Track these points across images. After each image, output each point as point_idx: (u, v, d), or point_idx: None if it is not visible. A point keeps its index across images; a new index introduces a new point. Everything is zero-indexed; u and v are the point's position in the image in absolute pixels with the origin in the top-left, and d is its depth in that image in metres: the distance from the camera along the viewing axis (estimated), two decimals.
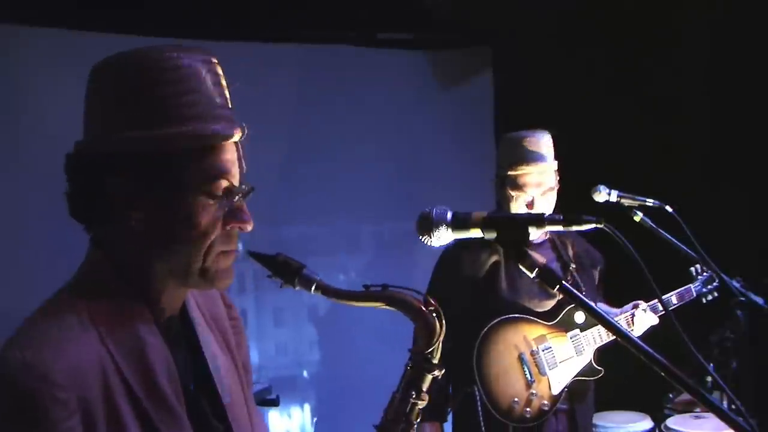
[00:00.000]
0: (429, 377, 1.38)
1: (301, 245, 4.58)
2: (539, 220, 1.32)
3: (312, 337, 4.62)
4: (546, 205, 2.84)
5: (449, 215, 1.35)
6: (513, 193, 2.84)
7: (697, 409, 3.65)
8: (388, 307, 1.34)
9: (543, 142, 2.87)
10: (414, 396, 1.38)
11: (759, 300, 2.92)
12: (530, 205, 2.82)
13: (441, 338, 1.36)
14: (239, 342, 1.42)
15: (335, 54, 4.66)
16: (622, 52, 4.38)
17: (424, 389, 1.38)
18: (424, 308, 1.35)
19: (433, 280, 2.97)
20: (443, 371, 1.38)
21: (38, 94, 3.57)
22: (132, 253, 1.21)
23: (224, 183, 1.21)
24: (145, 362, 1.17)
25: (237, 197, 1.23)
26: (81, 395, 1.10)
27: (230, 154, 1.23)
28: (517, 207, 2.84)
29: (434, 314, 1.36)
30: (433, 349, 1.36)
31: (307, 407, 4.67)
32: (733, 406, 1.63)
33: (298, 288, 1.34)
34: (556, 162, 2.90)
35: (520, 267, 1.31)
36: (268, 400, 3.94)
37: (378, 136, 4.73)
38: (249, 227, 1.25)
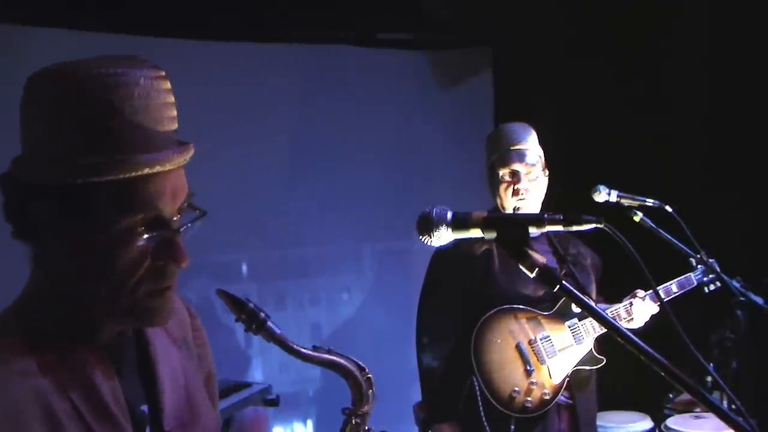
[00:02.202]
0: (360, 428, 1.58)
1: (296, 242, 4.59)
2: (539, 220, 1.32)
3: None
4: (531, 184, 2.87)
5: (449, 215, 1.35)
6: (500, 172, 2.89)
7: (697, 409, 3.65)
8: (331, 370, 1.52)
9: (524, 129, 2.97)
10: None
11: (759, 300, 2.92)
12: (516, 179, 2.86)
13: (370, 404, 1.55)
14: (202, 354, 1.38)
15: (335, 54, 4.66)
16: (622, 52, 4.38)
17: None
18: (358, 375, 1.53)
19: (427, 275, 2.99)
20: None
21: None
22: (66, 275, 1.14)
23: (150, 215, 1.10)
24: (90, 385, 1.13)
25: (168, 230, 1.12)
26: (16, 429, 1.05)
27: (159, 185, 1.10)
28: (506, 188, 2.87)
29: (366, 382, 1.54)
30: (364, 413, 1.55)
31: (310, 423, 4.70)
32: (733, 406, 1.63)
33: (259, 336, 1.43)
34: (541, 149, 2.95)
35: (521, 267, 1.31)
36: (268, 400, 3.94)
37: (378, 136, 4.73)
38: (183, 264, 1.14)
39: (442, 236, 1.35)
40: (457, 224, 1.35)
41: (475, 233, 1.34)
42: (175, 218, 1.14)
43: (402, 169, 4.82)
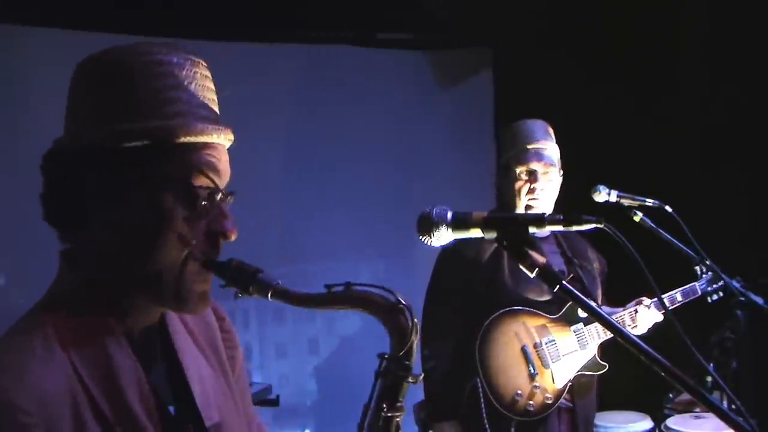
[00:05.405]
0: (405, 385, 1.20)
1: (296, 243, 4.59)
2: (539, 220, 1.32)
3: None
4: (547, 185, 2.86)
5: (449, 215, 1.34)
6: (517, 169, 2.86)
7: (697, 409, 3.65)
8: (353, 309, 1.19)
9: (544, 128, 2.94)
10: (387, 408, 1.19)
11: (759, 300, 2.92)
12: (533, 179, 2.84)
13: (414, 339, 1.19)
14: (233, 356, 1.36)
15: (335, 54, 4.66)
16: (622, 52, 4.38)
17: (400, 399, 1.20)
18: (392, 306, 1.19)
19: (434, 273, 2.97)
20: (420, 377, 1.23)
21: (38, 94, 3.57)
22: (102, 265, 1.15)
23: (207, 181, 1.15)
24: (115, 382, 1.11)
25: (220, 200, 1.17)
26: (47, 421, 1.04)
27: (216, 154, 1.16)
28: (521, 186, 2.86)
29: (405, 311, 1.19)
30: (406, 352, 1.19)
31: None
32: (733, 406, 1.63)
33: (254, 296, 1.18)
34: (558, 148, 2.93)
35: (521, 267, 1.31)
36: (268, 399, 3.94)
37: (378, 136, 4.73)
38: (233, 236, 1.16)
39: (442, 236, 1.35)
40: (457, 224, 1.34)
41: (475, 233, 1.34)
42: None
43: (402, 169, 4.81)
